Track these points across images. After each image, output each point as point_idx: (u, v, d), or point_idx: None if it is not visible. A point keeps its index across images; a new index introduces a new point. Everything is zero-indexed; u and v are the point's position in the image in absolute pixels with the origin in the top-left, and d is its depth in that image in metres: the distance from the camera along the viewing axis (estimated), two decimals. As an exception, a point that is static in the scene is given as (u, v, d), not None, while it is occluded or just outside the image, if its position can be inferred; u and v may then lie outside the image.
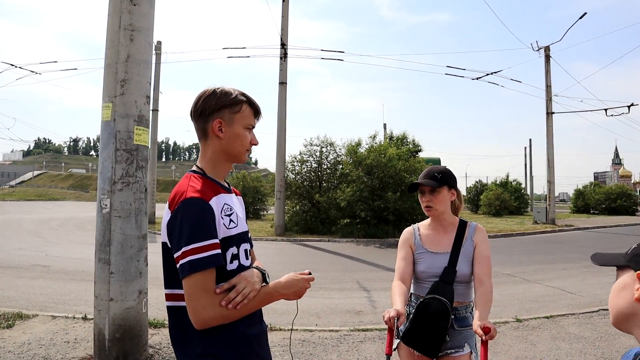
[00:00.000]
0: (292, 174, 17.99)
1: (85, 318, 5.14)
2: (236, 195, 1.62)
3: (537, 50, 21.05)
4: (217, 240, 1.35)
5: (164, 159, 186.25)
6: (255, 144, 1.54)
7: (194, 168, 1.52)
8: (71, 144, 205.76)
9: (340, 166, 17.83)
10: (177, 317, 1.41)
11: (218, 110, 1.45)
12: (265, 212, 26.80)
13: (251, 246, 1.59)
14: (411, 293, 2.30)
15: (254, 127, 1.54)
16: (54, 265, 9.44)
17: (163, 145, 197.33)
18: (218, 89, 1.48)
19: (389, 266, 9.71)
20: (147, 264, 3.92)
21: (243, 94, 1.50)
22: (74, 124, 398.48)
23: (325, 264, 10.55)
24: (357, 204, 15.48)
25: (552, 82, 21.26)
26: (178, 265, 1.32)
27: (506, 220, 25.08)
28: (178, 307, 1.40)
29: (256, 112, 1.53)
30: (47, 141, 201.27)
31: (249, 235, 1.60)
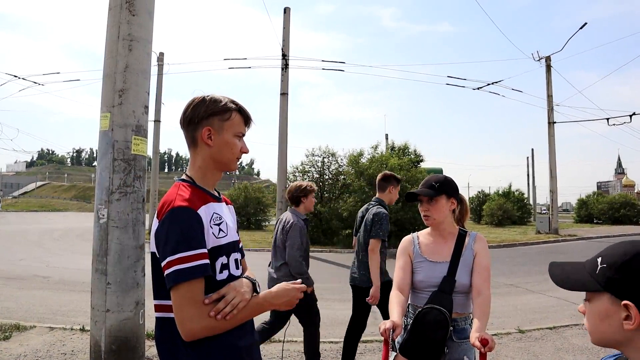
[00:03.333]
0: (294, 184, 17.94)
1: (82, 329, 5.10)
2: (227, 204, 1.60)
3: (538, 60, 21.11)
4: (204, 250, 1.32)
5: (166, 170, 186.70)
6: (245, 152, 1.52)
7: (183, 177, 1.50)
8: (74, 154, 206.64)
9: (342, 176, 17.81)
10: (165, 329, 1.38)
11: (207, 117, 1.44)
12: (267, 223, 26.79)
13: (242, 256, 1.56)
14: (409, 304, 2.26)
15: (244, 135, 1.52)
16: (55, 276, 9.41)
17: (165, 156, 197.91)
18: (207, 96, 1.46)
19: (391, 277, 9.62)
20: (144, 275, 3.89)
21: (233, 102, 1.49)
22: (77, 134, 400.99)
23: (327, 274, 10.47)
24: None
25: (553, 92, 21.27)
26: (164, 275, 1.30)
27: (509, 231, 24.94)
28: (166, 319, 1.37)
29: (246, 119, 1.51)
30: (50, 152, 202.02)
31: (241, 245, 1.57)
